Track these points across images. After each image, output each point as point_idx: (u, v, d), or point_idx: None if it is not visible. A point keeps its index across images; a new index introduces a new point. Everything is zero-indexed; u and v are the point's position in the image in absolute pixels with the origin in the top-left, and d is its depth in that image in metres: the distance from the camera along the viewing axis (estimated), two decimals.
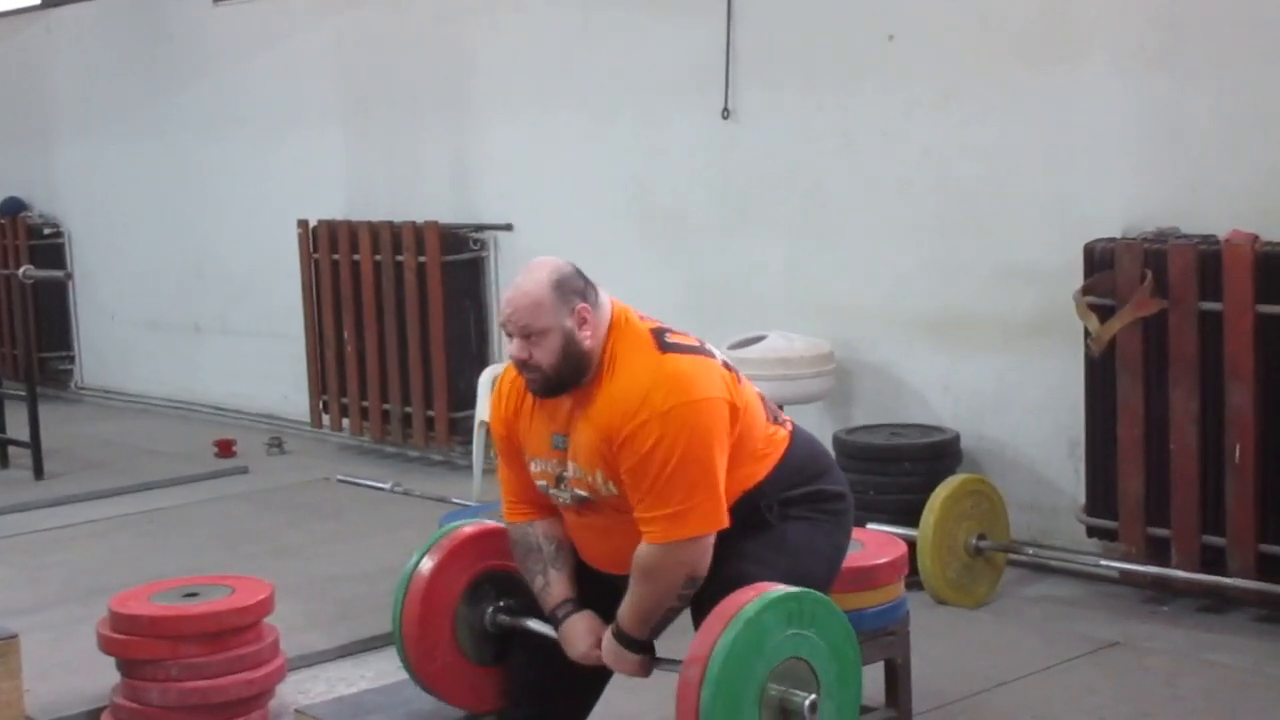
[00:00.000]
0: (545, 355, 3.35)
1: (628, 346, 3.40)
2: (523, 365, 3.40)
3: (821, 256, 6.81)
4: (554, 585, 3.56)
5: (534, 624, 3.66)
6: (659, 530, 3.29)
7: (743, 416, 3.42)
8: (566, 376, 3.38)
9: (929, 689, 4.55)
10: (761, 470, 3.48)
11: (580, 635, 3.50)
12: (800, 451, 3.58)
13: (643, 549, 3.33)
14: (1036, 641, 5.23)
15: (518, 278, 3.43)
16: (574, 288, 3.39)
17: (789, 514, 3.50)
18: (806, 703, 3.14)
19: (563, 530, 3.61)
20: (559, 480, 3.48)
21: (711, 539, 3.32)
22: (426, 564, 3.73)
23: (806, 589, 3.23)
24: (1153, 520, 5.48)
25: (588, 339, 3.37)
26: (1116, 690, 4.75)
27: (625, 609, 3.39)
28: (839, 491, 3.63)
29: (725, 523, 3.33)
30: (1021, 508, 6.07)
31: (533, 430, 3.53)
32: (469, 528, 3.83)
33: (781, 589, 3.19)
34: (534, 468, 3.55)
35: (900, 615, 4.11)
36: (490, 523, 3.80)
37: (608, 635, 3.45)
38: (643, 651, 3.43)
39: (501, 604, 3.77)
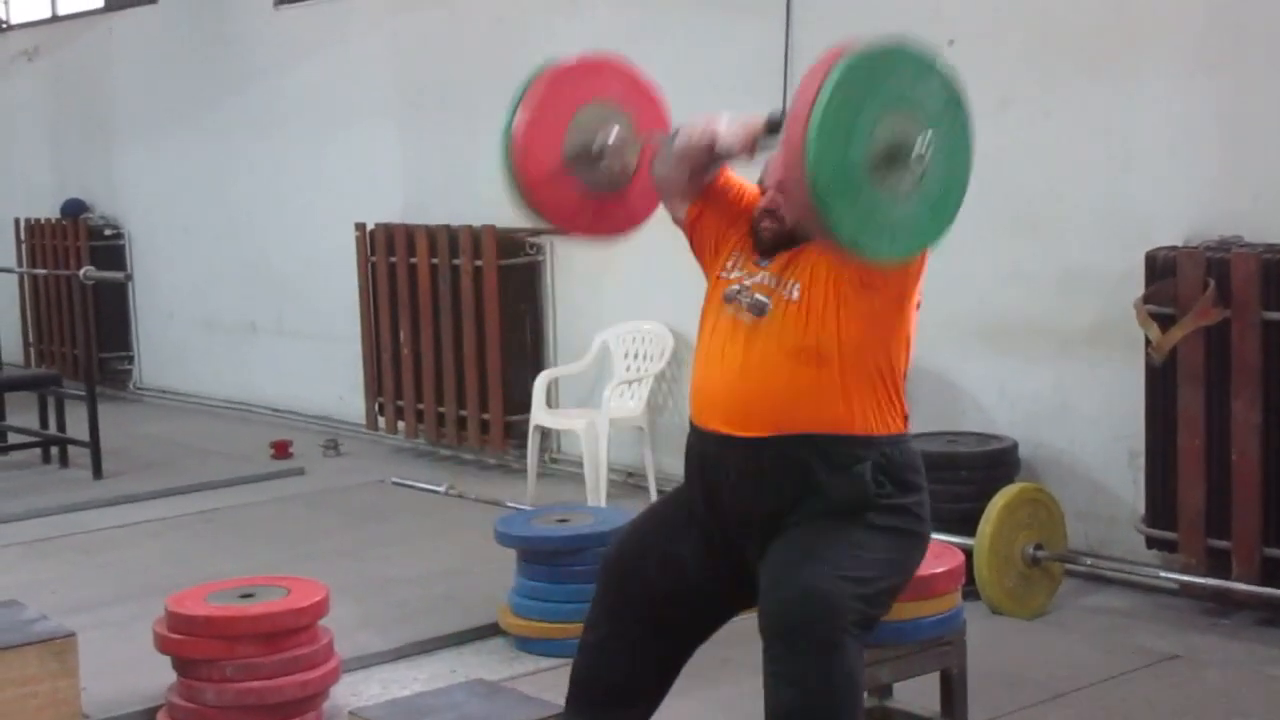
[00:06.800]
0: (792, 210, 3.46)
1: None
2: (769, 214, 3.54)
3: None
4: None
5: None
6: None
7: (915, 316, 3.55)
8: (793, 240, 3.50)
9: (985, 700, 4.51)
10: (896, 422, 3.50)
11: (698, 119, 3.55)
12: (916, 451, 3.59)
13: None
14: (1094, 653, 5.18)
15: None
16: None
17: (890, 523, 3.47)
18: (921, 137, 3.15)
19: None
20: (742, 288, 3.53)
21: None
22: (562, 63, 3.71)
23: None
24: (1213, 532, 5.42)
25: None
26: (1175, 704, 4.70)
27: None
28: (925, 519, 3.61)
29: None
30: (1079, 517, 6.02)
31: (746, 242, 3.62)
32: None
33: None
34: (730, 263, 3.63)
35: (957, 625, 4.08)
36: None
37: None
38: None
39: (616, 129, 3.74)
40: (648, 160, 3.72)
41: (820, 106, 3.04)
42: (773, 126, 3.44)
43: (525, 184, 3.66)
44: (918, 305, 3.55)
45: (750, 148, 3.50)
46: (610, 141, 3.71)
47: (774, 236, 3.55)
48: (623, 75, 3.81)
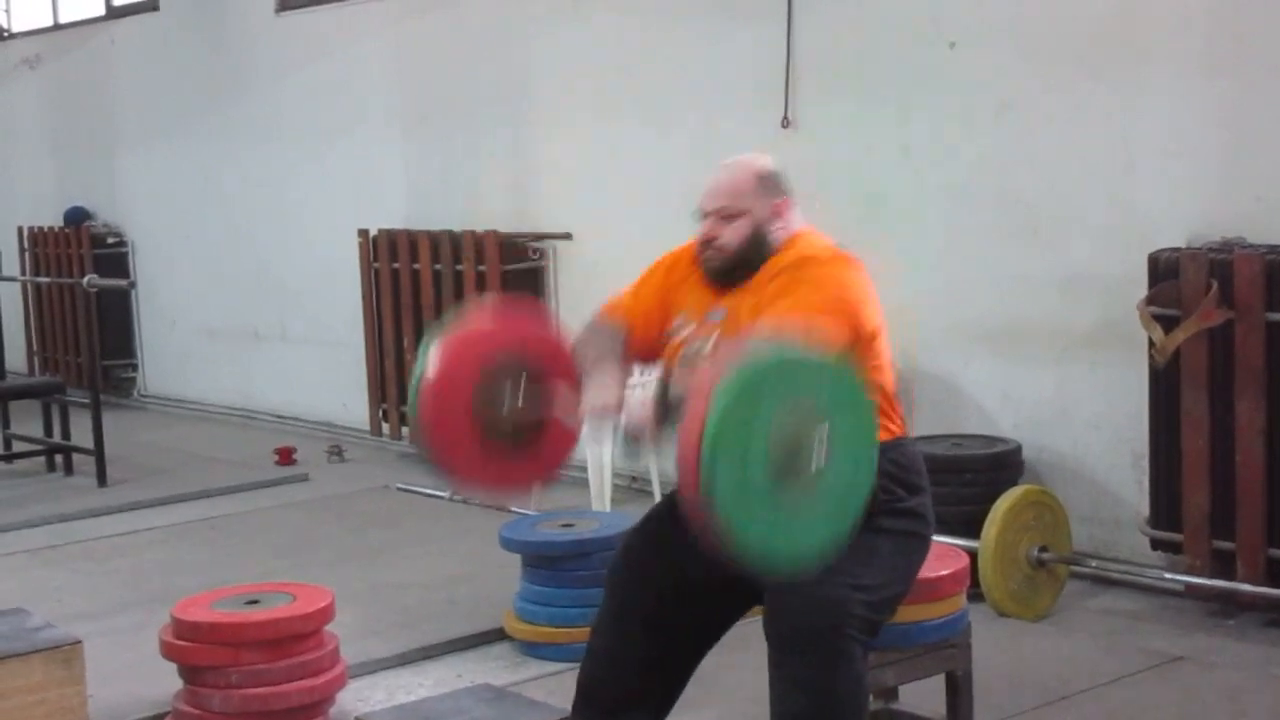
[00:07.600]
0: (732, 237, 3.47)
1: (807, 243, 3.52)
2: (707, 244, 3.51)
3: (880, 266, 6.76)
4: (604, 361, 3.53)
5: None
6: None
7: (882, 335, 3.51)
8: (742, 265, 3.47)
9: (990, 702, 4.51)
10: (895, 427, 3.50)
11: (606, 384, 3.41)
12: (917, 452, 3.59)
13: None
14: (1099, 655, 5.18)
15: (726, 162, 3.56)
16: (777, 184, 3.54)
17: (895, 526, 3.47)
18: (818, 434, 3.01)
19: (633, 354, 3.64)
20: (695, 354, 3.48)
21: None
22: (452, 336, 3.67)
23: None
24: (1218, 533, 5.42)
25: (776, 232, 3.48)
26: (1181, 705, 4.70)
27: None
28: (930, 519, 3.61)
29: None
30: (1084, 520, 6.01)
31: (693, 296, 3.59)
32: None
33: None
34: (679, 322, 3.59)
35: (962, 627, 4.08)
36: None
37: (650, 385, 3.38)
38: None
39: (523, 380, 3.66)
40: (558, 410, 3.59)
41: (708, 441, 2.91)
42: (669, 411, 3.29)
43: (439, 453, 3.61)
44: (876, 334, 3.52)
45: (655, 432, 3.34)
46: (519, 401, 3.66)
47: (721, 264, 3.51)
48: (520, 327, 3.77)
